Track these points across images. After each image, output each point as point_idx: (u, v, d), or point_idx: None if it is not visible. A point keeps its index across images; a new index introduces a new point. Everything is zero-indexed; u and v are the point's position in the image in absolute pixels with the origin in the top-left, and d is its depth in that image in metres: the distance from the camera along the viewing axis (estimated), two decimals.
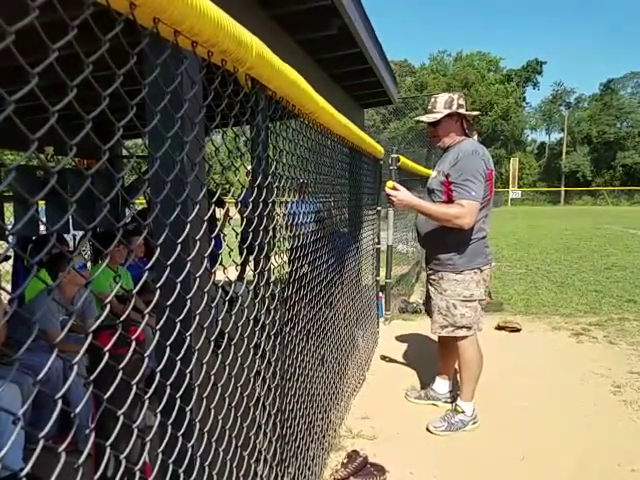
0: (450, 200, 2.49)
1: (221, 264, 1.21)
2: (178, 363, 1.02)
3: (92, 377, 0.75)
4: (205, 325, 1.11)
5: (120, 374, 0.79)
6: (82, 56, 0.64)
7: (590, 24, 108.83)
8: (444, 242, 2.56)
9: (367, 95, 5.78)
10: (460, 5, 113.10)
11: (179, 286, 1.00)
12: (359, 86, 5.22)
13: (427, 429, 2.63)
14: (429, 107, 2.61)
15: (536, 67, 51.70)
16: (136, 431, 0.89)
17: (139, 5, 0.71)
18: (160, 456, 0.98)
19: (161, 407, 0.96)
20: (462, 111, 2.57)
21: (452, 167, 2.48)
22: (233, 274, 1.50)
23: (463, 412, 2.66)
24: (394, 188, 2.59)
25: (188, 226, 1.02)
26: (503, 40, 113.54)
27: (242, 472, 1.35)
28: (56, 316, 2.61)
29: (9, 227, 2.66)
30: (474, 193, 2.40)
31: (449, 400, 2.92)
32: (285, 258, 1.75)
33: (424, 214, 2.57)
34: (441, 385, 3.00)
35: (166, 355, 0.97)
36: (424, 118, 2.62)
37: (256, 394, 1.43)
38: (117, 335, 0.79)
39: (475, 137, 2.66)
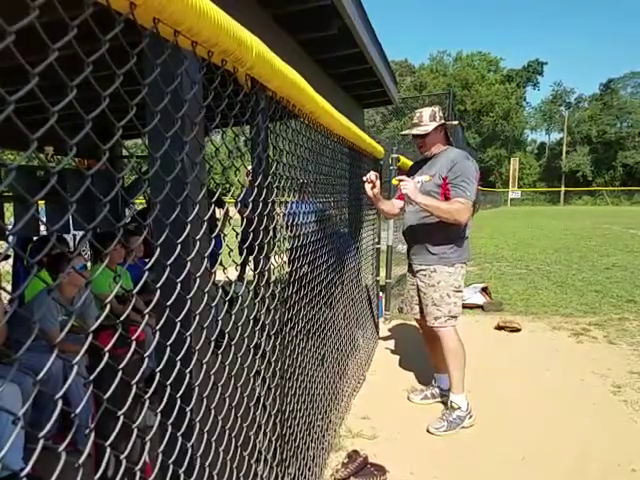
0: (447, 200, 2.69)
1: (221, 264, 1.21)
2: (178, 363, 1.02)
3: (92, 377, 0.75)
4: (205, 325, 1.11)
5: (120, 374, 0.79)
6: (82, 56, 0.64)
7: (590, 24, 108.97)
8: (441, 238, 2.75)
9: (367, 95, 5.77)
10: (460, 5, 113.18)
11: (179, 286, 1.00)
12: (359, 86, 5.22)
13: (428, 431, 2.63)
14: (415, 121, 2.82)
15: (537, 67, 51.64)
16: (136, 431, 0.89)
17: (139, 5, 0.71)
18: (160, 456, 0.98)
19: (161, 407, 0.96)
20: (443, 122, 2.82)
21: (450, 170, 2.69)
22: (233, 274, 1.50)
23: (459, 408, 2.71)
24: (400, 180, 2.71)
25: (188, 226, 1.02)
26: (503, 40, 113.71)
27: (242, 472, 1.35)
28: (55, 316, 2.60)
29: (9, 227, 2.66)
30: (469, 193, 2.63)
31: None
32: (285, 258, 1.76)
33: (429, 207, 2.66)
34: (443, 380, 3.02)
35: (166, 355, 0.97)
36: (415, 131, 2.81)
37: (256, 394, 1.43)
38: (117, 335, 0.79)
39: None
